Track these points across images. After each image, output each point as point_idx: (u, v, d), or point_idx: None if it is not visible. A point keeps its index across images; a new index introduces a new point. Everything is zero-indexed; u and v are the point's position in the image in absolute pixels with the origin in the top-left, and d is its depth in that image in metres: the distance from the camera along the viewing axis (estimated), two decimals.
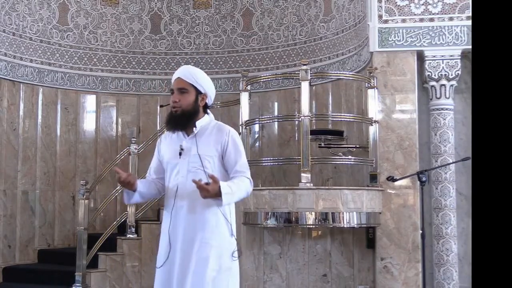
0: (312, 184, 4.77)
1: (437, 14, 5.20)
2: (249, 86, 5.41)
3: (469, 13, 5.13)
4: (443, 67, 5.21)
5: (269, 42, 6.96)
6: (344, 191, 4.78)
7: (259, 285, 5.15)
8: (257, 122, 6.02)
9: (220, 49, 7.17)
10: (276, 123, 6.76)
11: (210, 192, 2.72)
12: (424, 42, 5.19)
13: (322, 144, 5.61)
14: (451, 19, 5.19)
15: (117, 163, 5.87)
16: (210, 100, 3.07)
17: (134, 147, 5.69)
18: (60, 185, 6.70)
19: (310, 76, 4.94)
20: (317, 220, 4.70)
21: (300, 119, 4.89)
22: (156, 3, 7.22)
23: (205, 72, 3.12)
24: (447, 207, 5.14)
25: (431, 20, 5.19)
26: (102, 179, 6.05)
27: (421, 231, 4.78)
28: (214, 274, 2.84)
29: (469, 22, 5.07)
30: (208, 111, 3.08)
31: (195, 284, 2.80)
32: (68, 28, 6.86)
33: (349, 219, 4.76)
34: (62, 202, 6.70)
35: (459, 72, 5.21)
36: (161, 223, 3.08)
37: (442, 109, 5.25)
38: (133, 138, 5.74)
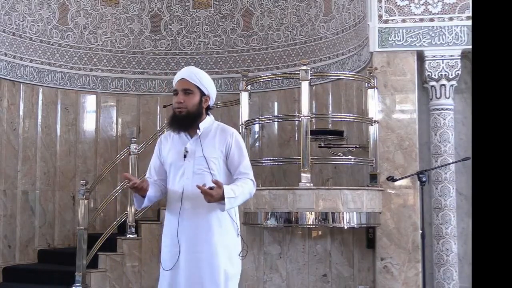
0: (312, 184, 4.77)
1: (437, 14, 5.20)
2: (249, 86, 5.42)
3: (469, 13, 5.13)
4: (443, 67, 5.21)
5: (269, 42, 6.95)
6: (344, 191, 4.78)
7: (259, 285, 5.15)
8: (257, 122, 6.02)
9: (220, 49, 7.17)
10: (276, 123, 6.76)
11: (214, 196, 2.73)
12: (424, 42, 5.19)
13: (322, 144, 5.61)
14: (451, 19, 5.19)
15: (117, 163, 5.88)
16: (212, 102, 3.07)
17: (134, 147, 5.69)
18: (60, 185, 6.70)
19: (310, 76, 4.95)
20: (317, 220, 4.70)
21: (300, 119, 4.89)
22: (156, 3, 7.21)
23: (205, 72, 3.12)
24: (447, 207, 5.14)
25: (431, 20, 5.20)
26: (102, 179, 6.05)
27: (421, 231, 4.78)
28: (224, 278, 2.84)
29: (469, 22, 5.07)
30: (209, 112, 3.07)
31: None
32: (68, 28, 6.86)
33: (349, 219, 4.76)
34: (62, 202, 6.70)
35: (459, 72, 5.21)
36: (161, 223, 3.07)
37: (442, 109, 5.25)
38: (133, 138, 5.74)
